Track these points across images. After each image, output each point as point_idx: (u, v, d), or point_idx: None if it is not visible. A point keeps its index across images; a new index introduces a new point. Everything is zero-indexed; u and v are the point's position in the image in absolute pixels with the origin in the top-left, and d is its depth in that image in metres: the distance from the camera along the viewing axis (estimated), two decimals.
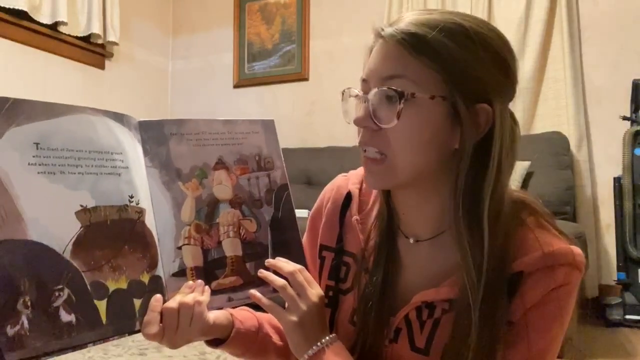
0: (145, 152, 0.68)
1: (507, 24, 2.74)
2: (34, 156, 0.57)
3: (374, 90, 0.61)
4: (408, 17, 0.61)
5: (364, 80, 0.64)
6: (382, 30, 0.62)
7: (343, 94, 0.67)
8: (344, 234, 0.76)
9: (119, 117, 0.66)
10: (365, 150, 0.64)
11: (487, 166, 0.60)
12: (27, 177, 0.56)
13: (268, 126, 0.76)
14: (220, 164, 0.72)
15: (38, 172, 0.57)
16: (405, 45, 0.59)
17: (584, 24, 2.70)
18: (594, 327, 2.27)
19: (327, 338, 0.66)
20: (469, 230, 0.60)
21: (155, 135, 0.69)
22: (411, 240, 0.69)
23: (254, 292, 0.68)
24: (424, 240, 0.68)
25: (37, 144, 0.57)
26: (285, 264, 0.69)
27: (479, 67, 0.59)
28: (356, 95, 0.65)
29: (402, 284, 0.69)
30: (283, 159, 0.76)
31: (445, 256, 0.66)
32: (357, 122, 0.63)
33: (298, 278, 0.67)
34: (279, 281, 0.67)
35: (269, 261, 0.70)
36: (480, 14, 2.81)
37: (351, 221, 0.75)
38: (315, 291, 0.67)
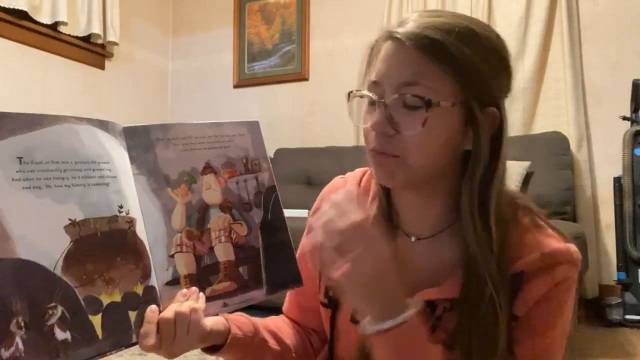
0: (132, 160, 0.66)
1: (507, 24, 2.74)
2: (17, 171, 0.54)
3: (395, 97, 0.60)
4: (418, 20, 0.60)
5: (375, 83, 0.63)
6: (396, 32, 0.60)
7: (349, 95, 0.66)
8: None
9: (104, 125, 0.64)
10: (378, 153, 0.63)
11: (496, 165, 0.62)
12: (12, 194, 0.53)
13: (253, 128, 0.75)
14: (209, 168, 0.70)
15: (23, 188, 0.54)
16: (424, 50, 0.58)
17: (584, 24, 2.69)
18: (594, 327, 2.27)
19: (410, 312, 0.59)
20: (477, 226, 0.61)
21: (141, 141, 0.67)
22: (412, 239, 0.69)
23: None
24: (425, 238, 0.69)
25: (20, 158, 0.55)
26: None
27: (490, 72, 0.61)
28: (371, 101, 0.63)
29: (403, 283, 0.69)
30: (269, 160, 0.76)
31: (444, 255, 0.66)
32: (375, 127, 0.61)
33: None
34: None
35: None
36: (480, 14, 2.80)
37: None
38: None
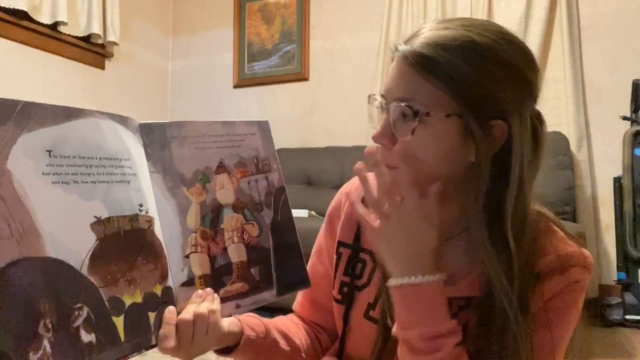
0: (148, 157, 0.65)
1: (507, 24, 2.68)
2: (47, 165, 0.53)
3: (392, 105, 0.62)
4: (423, 34, 0.62)
5: (382, 96, 0.65)
6: (397, 49, 0.63)
7: (369, 98, 0.68)
8: (361, 231, 0.77)
9: (124, 120, 0.63)
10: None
11: (508, 179, 0.61)
12: (43, 188, 0.52)
13: (263, 127, 0.76)
14: (222, 168, 0.70)
15: (53, 182, 0.53)
16: (417, 68, 0.60)
17: (584, 24, 2.70)
18: (594, 327, 2.27)
19: (436, 277, 0.61)
20: (492, 242, 0.61)
21: (157, 138, 0.66)
22: None
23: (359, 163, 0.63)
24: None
25: (49, 151, 0.53)
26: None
27: (492, 86, 0.60)
28: (379, 105, 0.65)
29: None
30: (279, 160, 0.76)
31: (459, 256, 0.67)
32: (374, 138, 0.64)
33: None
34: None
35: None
36: (481, 14, 2.81)
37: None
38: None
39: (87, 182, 0.56)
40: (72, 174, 0.55)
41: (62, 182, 0.54)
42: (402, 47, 0.62)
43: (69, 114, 0.57)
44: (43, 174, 0.52)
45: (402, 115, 0.61)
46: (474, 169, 0.62)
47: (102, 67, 3.29)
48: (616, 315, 2.26)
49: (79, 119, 0.58)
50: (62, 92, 3.01)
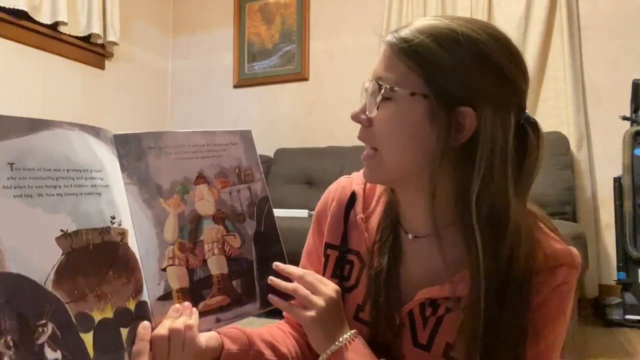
0: (123, 168, 0.63)
1: (507, 24, 2.73)
2: (8, 178, 0.52)
3: (365, 86, 0.66)
4: (412, 24, 0.65)
5: (370, 81, 0.68)
6: (384, 36, 0.66)
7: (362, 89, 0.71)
8: (348, 232, 0.77)
9: (96, 131, 0.62)
10: (365, 154, 0.68)
11: (473, 170, 0.60)
12: (2, 202, 0.51)
13: (246, 137, 0.75)
14: (201, 178, 0.69)
15: (14, 196, 0.52)
16: (395, 49, 0.63)
17: (584, 24, 2.69)
18: (594, 327, 2.27)
19: (347, 335, 0.67)
20: (462, 232, 0.61)
21: (132, 149, 0.65)
22: (410, 236, 0.70)
23: (272, 296, 0.69)
24: (422, 237, 0.69)
25: (11, 164, 0.52)
26: (294, 269, 0.70)
27: (463, 71, 0.60)
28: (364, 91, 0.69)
29: (405, 280, 0.70)
30: (262, 169, 0.75)
31: (446, 254, 0.66)
32: (353, 117, 0.68)
33: (308, 278, 0.68)
34: (291, 285, 0.68)
35: (278, 265, 0.70)
36: (481, 14, 2.80)
37: (356, 220, 0.76)
38: (329, 286, 0.69)
39: (52, 195, 0.55)
40: (36, 187, 0.54)
41: (25, 196, 0.53)
42: (390, 36, 0.65)
43: (34, 125, 0.56)
44: (4, 187, 0.51)
45: (372, 93, 0.64)
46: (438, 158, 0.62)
47: (102, 67, 3.29)
48: (616, 315, 2.26)
49: (45, 131, 0.56)
50: (62, 92, 3.01)
